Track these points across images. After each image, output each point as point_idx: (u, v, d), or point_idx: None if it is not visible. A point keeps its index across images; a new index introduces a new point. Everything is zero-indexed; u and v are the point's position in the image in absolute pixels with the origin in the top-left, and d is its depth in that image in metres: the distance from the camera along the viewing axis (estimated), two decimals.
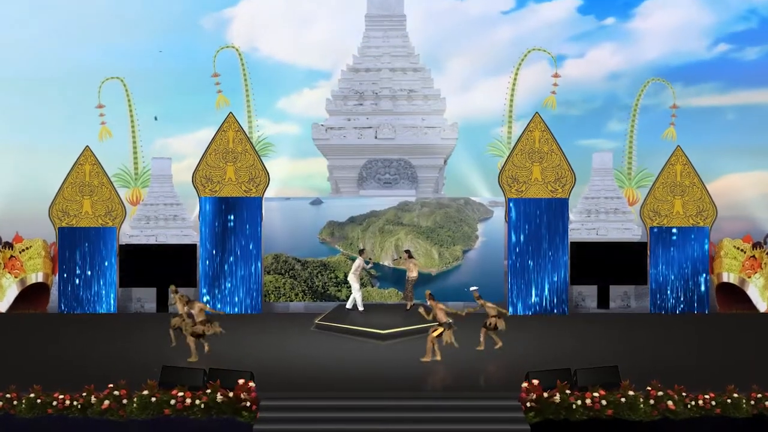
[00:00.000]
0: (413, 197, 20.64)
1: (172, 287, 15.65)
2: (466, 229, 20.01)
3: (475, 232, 20.06)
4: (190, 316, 14.59)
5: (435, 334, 14.12)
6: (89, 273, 19.35)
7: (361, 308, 17.76)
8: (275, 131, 23.89)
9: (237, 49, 23.19)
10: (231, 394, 11.89)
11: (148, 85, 22.93)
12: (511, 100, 23.17)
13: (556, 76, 23.13)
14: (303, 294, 19.56)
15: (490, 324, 14.81)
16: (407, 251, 18.24)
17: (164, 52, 23.46)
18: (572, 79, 24.23)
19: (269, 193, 19.76)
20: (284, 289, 19.52)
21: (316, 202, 20.68)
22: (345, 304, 18.08)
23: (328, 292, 19.61)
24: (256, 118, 23.34)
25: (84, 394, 11.96)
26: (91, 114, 22.61)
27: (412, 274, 17.73)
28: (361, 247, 18.69)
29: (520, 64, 23.21)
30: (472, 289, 15.23)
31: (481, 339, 14.87)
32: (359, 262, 17.64)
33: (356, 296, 17.80)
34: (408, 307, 17.66)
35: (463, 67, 24.86)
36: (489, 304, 14.90)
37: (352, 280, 17.74)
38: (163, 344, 15.29)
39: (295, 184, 23.64)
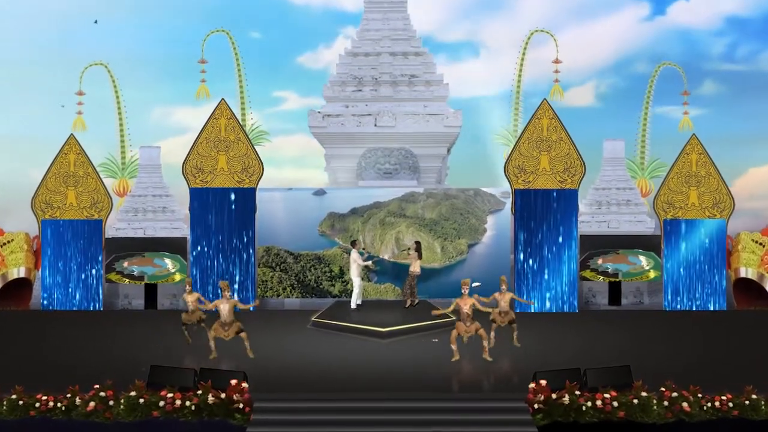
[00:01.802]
0: (419, 188, 20.12)
1: (188, 279, 15.56)
2: (473, 222, 19.55)
3: (483, 224, 19.64)
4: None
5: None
6: (74, 267, 18.94)
7: (353, 306, 17.31)
8: (298, 105, 22.38)
9: (228, 33, 22.57)
10: (223, 396, 11.66)
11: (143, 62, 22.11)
12: (518, 85, 22.56)
13: (557, 62, 22.35)
14: (291, 288, 19.03)
15: (494, 318, 14.46)
16: (417, 243, 17.59)
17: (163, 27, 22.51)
18: (674, 28, 20.90)
19: (276, 180, 19.11)
20: (271, 283, 19.00)
21: (320, 192, 20.22)
22: (342, 300, 17.74)
23: (321, 286, 19.14)
24: (251, 101, 22.69)
25: (68, 395, 11.74)
26: (77, 101, 22.10)
27: (416, 269, 17.17)
28: (353, 239, 18.25)
29: (525, 47, 22.50)
30: (475, 284, 14.64)
31: (492, 336, 14.42)
32: (355, 254, 17.20)
33: (355, 291, 17.35)
34: (407, 305, 17.14)
35: (540, 8, 21.43)
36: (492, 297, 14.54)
37: (354, 274, 17.27)
38: (151, 342, 15.04)
39: (310, 163, 22.44)
